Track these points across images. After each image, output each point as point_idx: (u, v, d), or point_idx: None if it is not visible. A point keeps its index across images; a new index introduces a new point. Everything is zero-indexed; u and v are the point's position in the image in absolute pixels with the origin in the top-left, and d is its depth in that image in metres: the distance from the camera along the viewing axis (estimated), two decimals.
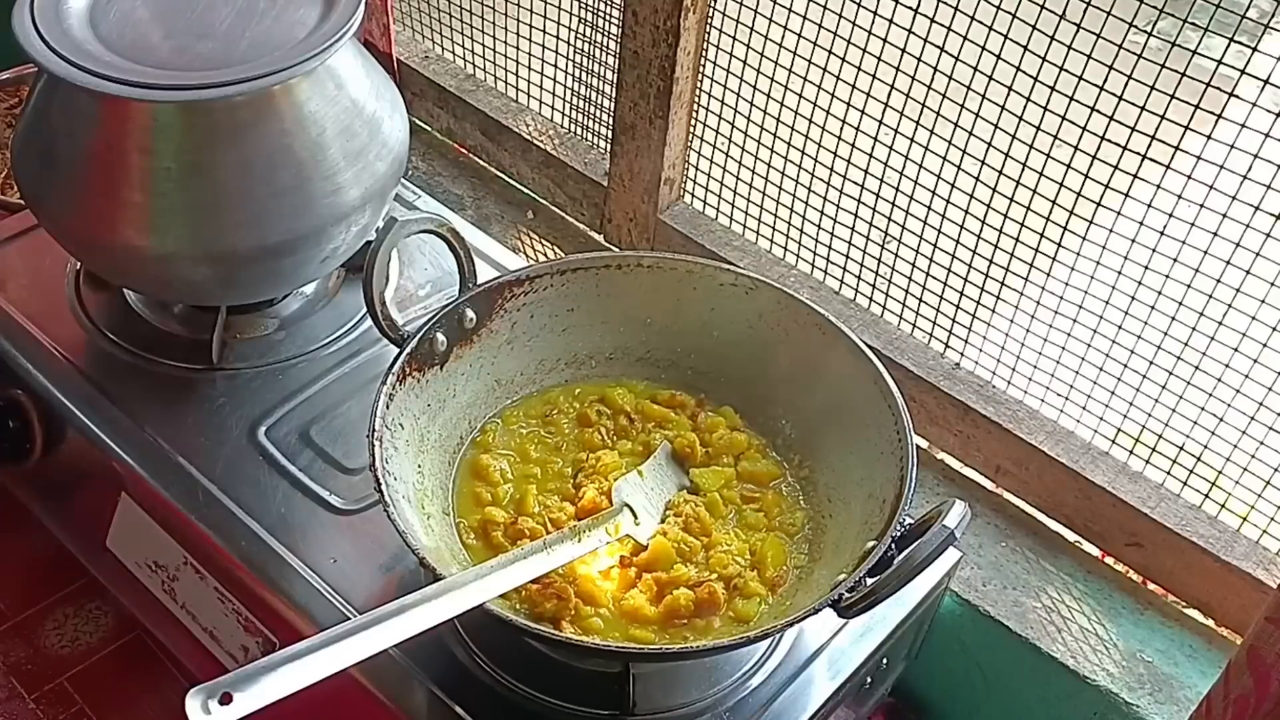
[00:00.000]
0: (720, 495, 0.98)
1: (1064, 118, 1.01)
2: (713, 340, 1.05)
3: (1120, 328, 1.08)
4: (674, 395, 1.06)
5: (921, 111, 1.10)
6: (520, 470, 1.00)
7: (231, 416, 1.09)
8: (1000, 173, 1.08)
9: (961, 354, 1.21)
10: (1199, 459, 1.09)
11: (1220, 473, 1.08)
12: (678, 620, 0.91)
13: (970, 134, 1.08)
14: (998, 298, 1.15)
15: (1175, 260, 1.01)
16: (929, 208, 1.14)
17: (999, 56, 1.03)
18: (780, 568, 0.94)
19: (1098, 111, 0.99)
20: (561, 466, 1.00)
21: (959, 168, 1.10)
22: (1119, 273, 1.05)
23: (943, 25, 1.05)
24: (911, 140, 1.12)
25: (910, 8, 1.06)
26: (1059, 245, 1.08)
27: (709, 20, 1.23)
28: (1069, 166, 1.03)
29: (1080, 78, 0.99)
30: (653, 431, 1.03)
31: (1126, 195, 1.02)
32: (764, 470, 1.01)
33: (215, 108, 0.99)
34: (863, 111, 1.14)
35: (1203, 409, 1.06)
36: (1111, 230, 1.04)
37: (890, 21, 1.08)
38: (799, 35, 1.16)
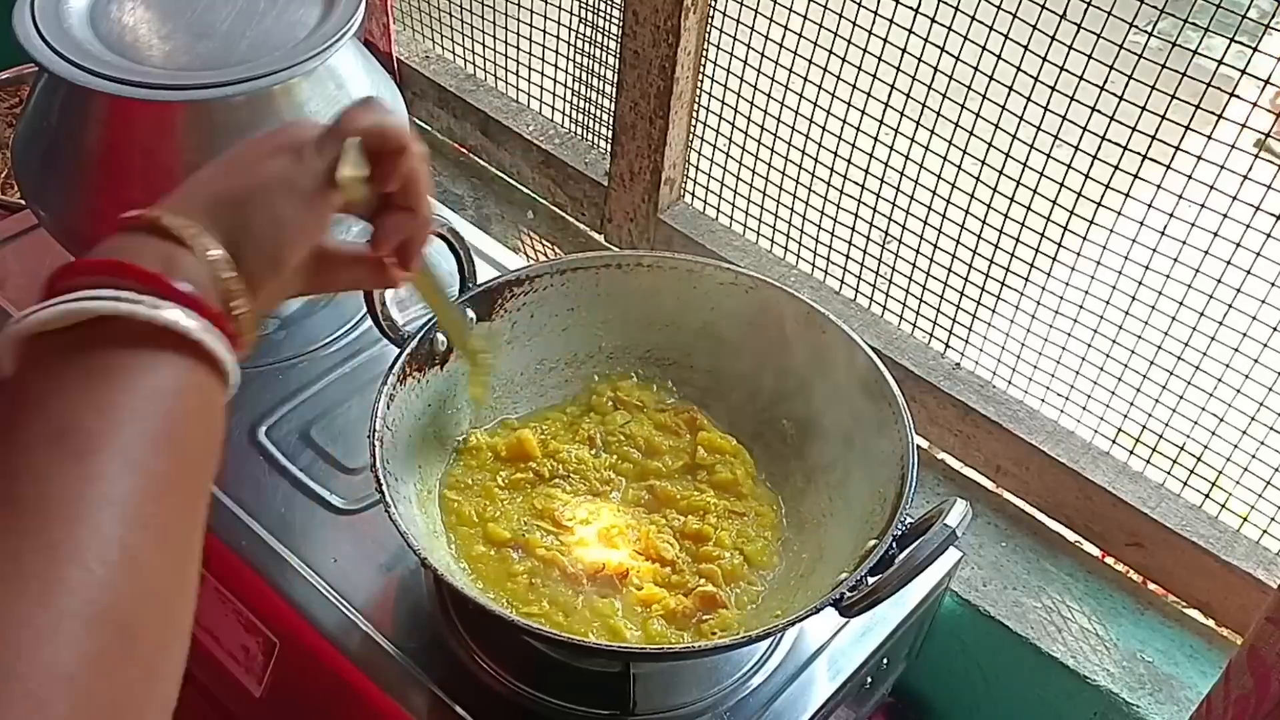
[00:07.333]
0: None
1: (1064, 118, 1.01)
2: (713, 339, 1.05)
3: (1120, 328, 1.08)
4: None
5: (921, 111, 1.10)
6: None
7: (231, 416, 1.08)
8: (1000, 173, 1.08)
9: (961, 354, 1.21)
10: (1199, 459, 1.09)
11: (1220, 473, 1.08)
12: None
13: (970, 134, 1.08)
14: (998, 298, 1.15)
15: (1175, 260, 1.01)
16: (929, 208, 1.14)
17: (999, 56, 1.03)
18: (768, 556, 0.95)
19: (1098, 111, 0.99)
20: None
21: (959, 168, 1.10)
22: (1119, 273, 1.05)
23: (943, 25, 1.05)
24: (911, 140, 1.12)
25: (910, 8, 1.06)
26: (1059, 245, 1.08)
27: (709, 20, 1.23)
28: (1069, 166, 1.03)
29: (1080, 78, 0.99)
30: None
31: (1127, 195, 1.02)
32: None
33: (215, 108, 0.99)
34: (863, 111, 1.14)
35: (1203, 409, 1.06)
36: (1112, 230, 1.04)
37: (890, 21, 1.08)
38: (799, 35, 1.16)
